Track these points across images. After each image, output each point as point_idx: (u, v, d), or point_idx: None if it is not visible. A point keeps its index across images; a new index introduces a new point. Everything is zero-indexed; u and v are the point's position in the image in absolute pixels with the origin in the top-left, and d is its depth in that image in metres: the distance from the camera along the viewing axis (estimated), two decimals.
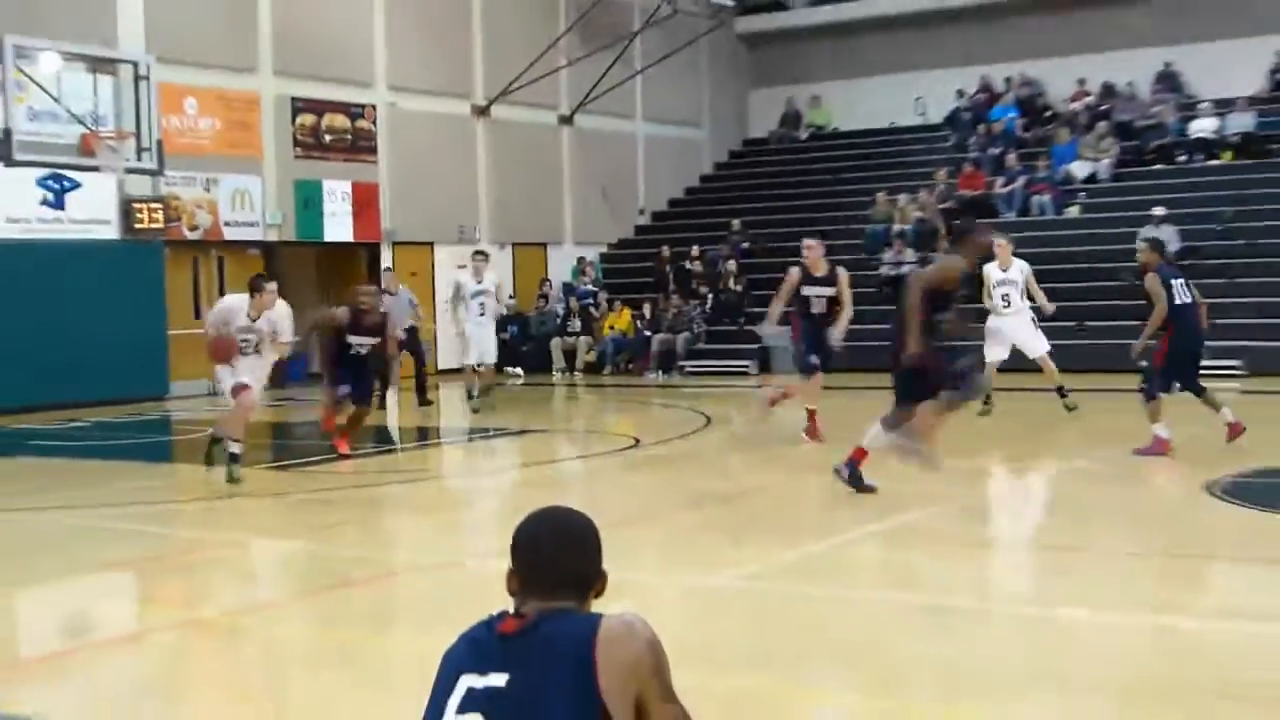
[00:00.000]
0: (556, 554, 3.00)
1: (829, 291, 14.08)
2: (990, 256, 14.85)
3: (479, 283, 18.14)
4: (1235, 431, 12.56)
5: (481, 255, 18.97)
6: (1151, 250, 13.20)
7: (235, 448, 12.10)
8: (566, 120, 28.99)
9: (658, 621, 2.95)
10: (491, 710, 2.80)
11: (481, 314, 18.06)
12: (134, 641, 7.56)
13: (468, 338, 18.18)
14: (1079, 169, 27.02)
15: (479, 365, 18.35)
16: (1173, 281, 12.57)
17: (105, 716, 6.11)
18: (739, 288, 26.38)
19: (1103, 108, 28.40)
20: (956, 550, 9.26)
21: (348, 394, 13.66)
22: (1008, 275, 16.11)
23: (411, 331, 19.70)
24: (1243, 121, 26.51)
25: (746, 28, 32.53)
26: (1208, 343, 13.61)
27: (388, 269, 22.35)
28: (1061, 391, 15.90)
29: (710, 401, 19.59)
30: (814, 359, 14.01)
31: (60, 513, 11.25)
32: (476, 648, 2.92)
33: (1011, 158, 27.58)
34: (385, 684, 6.19)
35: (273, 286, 12.41)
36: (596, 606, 3.01)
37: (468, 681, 2.85)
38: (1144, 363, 12.86)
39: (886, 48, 31.09)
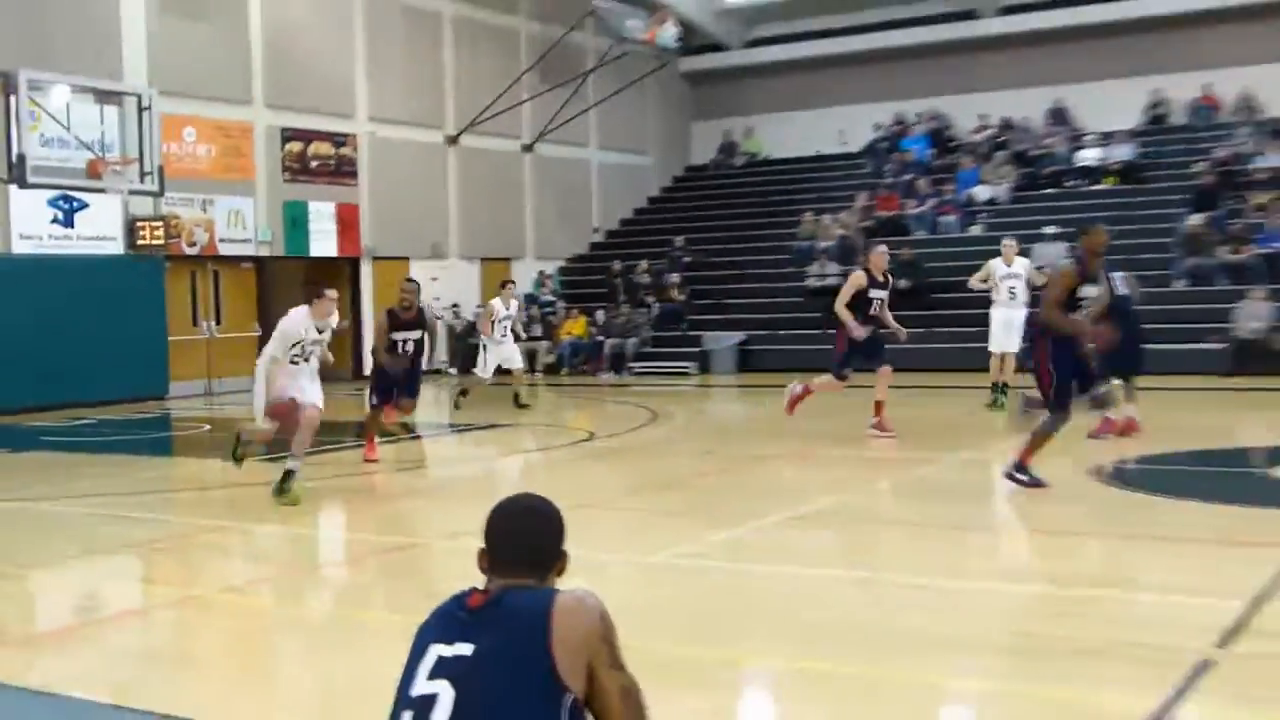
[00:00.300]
0: (522, 536, 3.03)
1: (884, 295, 13.91)
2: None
3: (508, 309, 18.16)
4: (1116, 428, 12.65)
5: (510, 284, 19.05)
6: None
7: (295, 464, 10.50)
8: (528, 148, 28.99)
9: (607, 595, 2.95)
10: (458, 677, 2.80)
11: (504, 335, 18.02)
12: (142, 615, 7.52)
13: (486, 353, 18.16)
14: (981, 192, 27.29)
15: (507, 370, 18.31)
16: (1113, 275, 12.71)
17: (117, 681, 6.04)
18: (682, 297, 26.53)
19: (1002, 139, 28.70)
20: (874, 530, 9.32)
21: (379, 405, 13.00)
22: (1011, 270, 16.40)
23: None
24: (1123, 151, 26.90)
25: (689, 67, 32.62)
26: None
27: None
28: (1002, 388, 15.96)
29: (656, 399, 19.61)
30: (847, 368, 13.76)
31: (72, 501, 11.16)
32: (446, 620, 2.93)
33: (922, 183, 27.85)
34: (368, 651, 6.15)
35: (333, 293, 10.91)
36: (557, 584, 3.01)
37: (437, 651, 2.86)
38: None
39: (813, 85, 31.28)
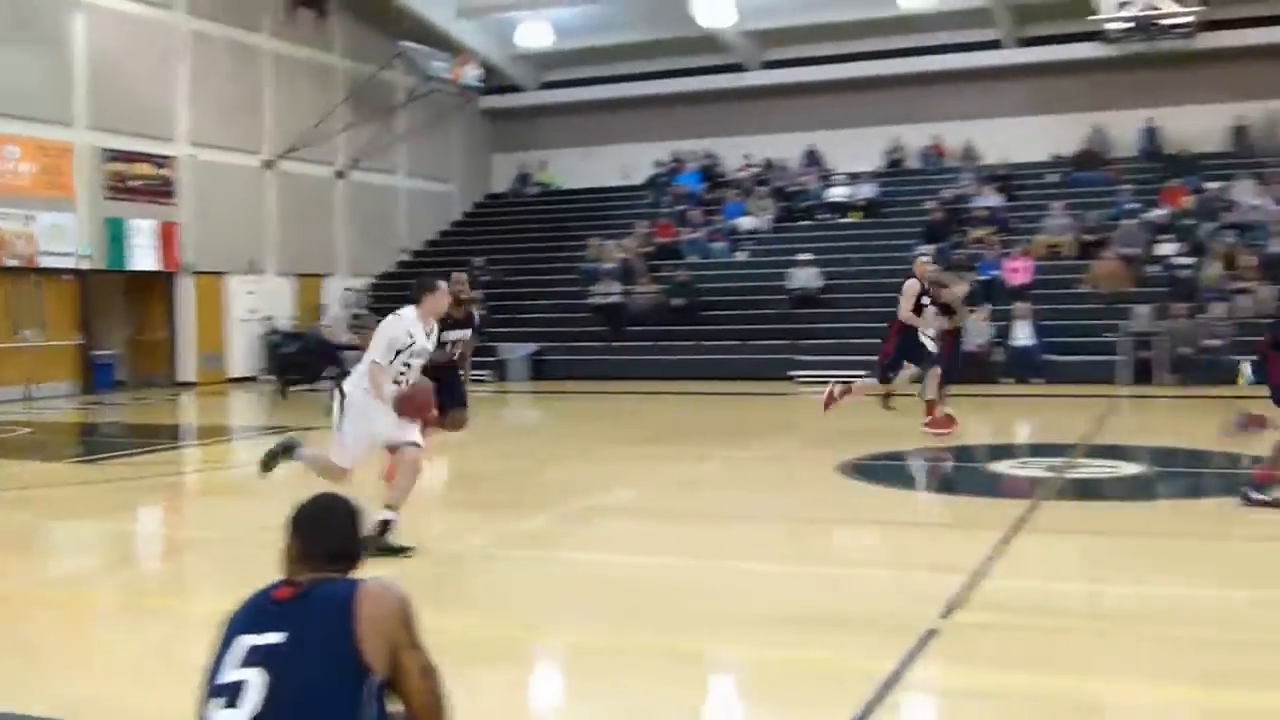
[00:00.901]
0: (325, 531, 2.99)
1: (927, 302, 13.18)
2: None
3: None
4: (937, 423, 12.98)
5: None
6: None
7: (392, 515, 7.46)
8: (341, 174, 28.30)
9: (415, 582, 2.88)
10: (269, 664, 2.73)
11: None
12: None
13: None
14: (745, 222, 27.76)
15: None
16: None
17: None
18: (482, 312, 26.19)
19: (763, 176, 29.28)
20: (653, 519, 9.35)
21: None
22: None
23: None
24: (867, 190, 27.72)
25: (489, 105, 32.35)
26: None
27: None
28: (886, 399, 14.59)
29: None
30: (894, 371, 13.15)
31: None
32: (254, 612, 2.86)
33: (695, 213, 28.21)
34: (179, 641, 5.87)
35: (457, 278, 8.61)
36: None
37: (248, 640, 2.78)
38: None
39: (600, 125, 31.38)
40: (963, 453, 12.76)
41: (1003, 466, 11.64)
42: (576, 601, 6.62)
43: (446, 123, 30.41)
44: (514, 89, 32.21)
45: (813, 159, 29.48)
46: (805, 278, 24.39)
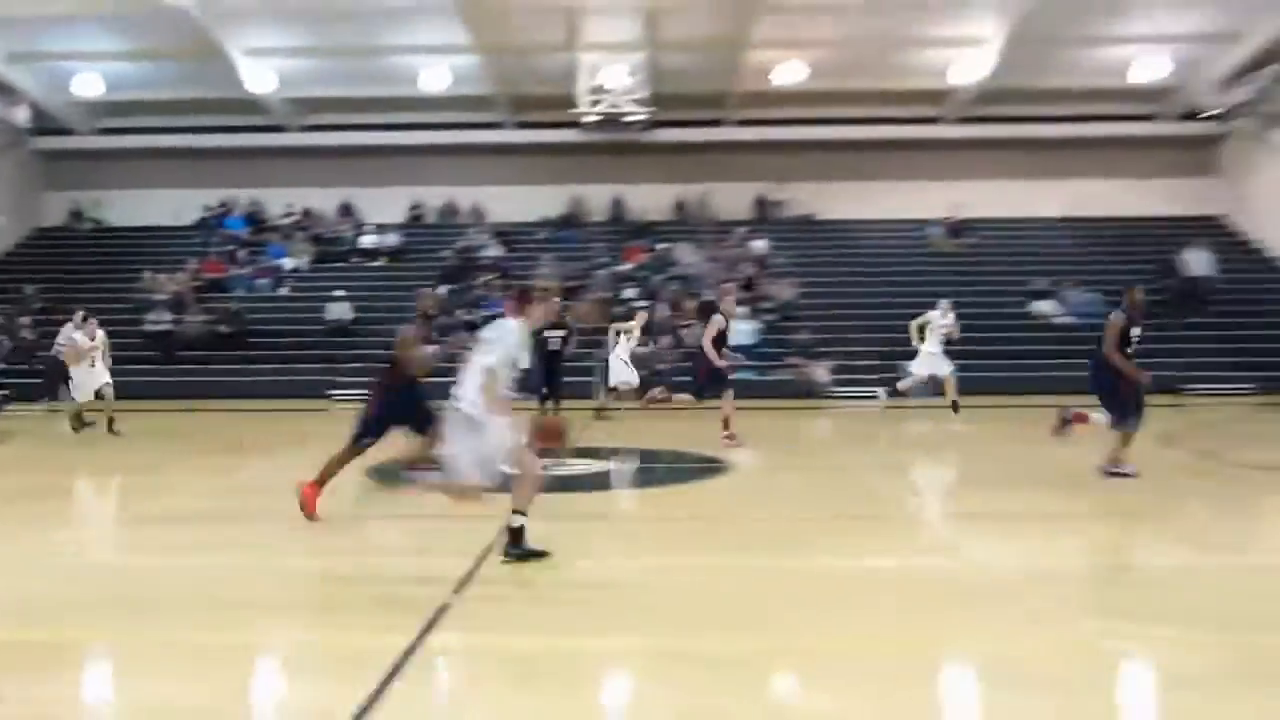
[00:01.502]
0: None
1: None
2: None
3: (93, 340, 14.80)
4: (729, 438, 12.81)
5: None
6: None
7: (520, 520, 6.61)
8: None
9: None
10: None
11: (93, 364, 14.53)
12: None
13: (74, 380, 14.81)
14: (288, 263, 26.82)
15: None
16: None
17: None
18: (33, 336, 23.46)
19: (304, 223, 28.39)
20: (220, 521, 8.78)
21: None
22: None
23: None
24: (393, 239, 27.70)
25: (42, 146, 28.96)
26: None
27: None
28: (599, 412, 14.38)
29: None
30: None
31: None
32: None
33: (242, 252, 26.87)
34: None
35: (554, 297, 7.12)
36: None
37: None
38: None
39: (154, 169, 28.80)
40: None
41: (502, 468, 11.87)
42: (179, 601, 6.11)
43: (1, 161, 26.82)
44: (67, 131, 29.04)
45: (347, 210, 28.95)
46: (339, 311, 24.01)
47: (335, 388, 21.64)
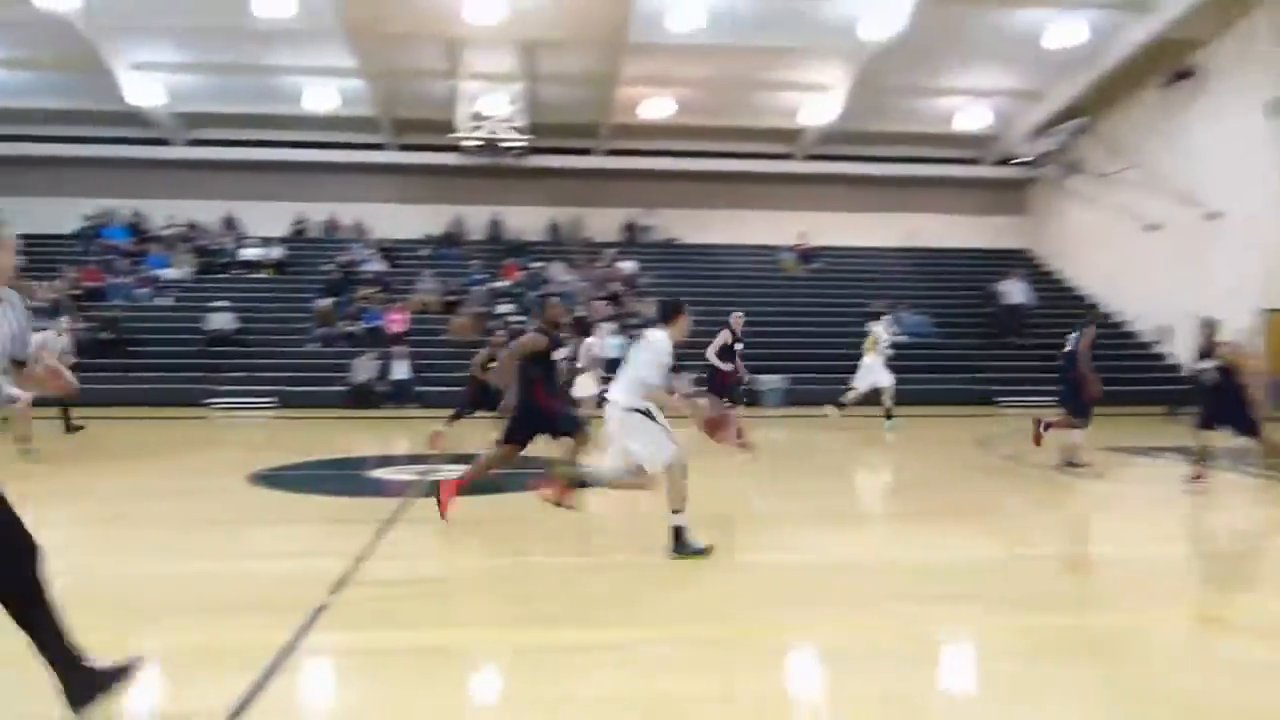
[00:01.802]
0: None
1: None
2: None
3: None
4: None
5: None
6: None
7: (681, 520, 6.70)
8: None
9: None
10: None
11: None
12: None
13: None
14: (169, 273, 25.66)
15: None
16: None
17: None
18: None
19: (187, 235, 27.22)
20: (83, 525, 8.31)
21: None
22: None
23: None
24: (277, 252, 26.81)
25: None
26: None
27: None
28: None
29: None
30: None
31: None
32: None
33: (123, 262, 25.58)
34: None
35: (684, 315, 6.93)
36: None
37: None
38: None
39: (34, 177, 27.07)
40: (355, 463, 12.71)
41: (384, 473, 11.71)
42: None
43: None
44: None
45: (230, 223, 27.90)
46: (221, 321, 23.08)
47: (213, 396, 20.84)
